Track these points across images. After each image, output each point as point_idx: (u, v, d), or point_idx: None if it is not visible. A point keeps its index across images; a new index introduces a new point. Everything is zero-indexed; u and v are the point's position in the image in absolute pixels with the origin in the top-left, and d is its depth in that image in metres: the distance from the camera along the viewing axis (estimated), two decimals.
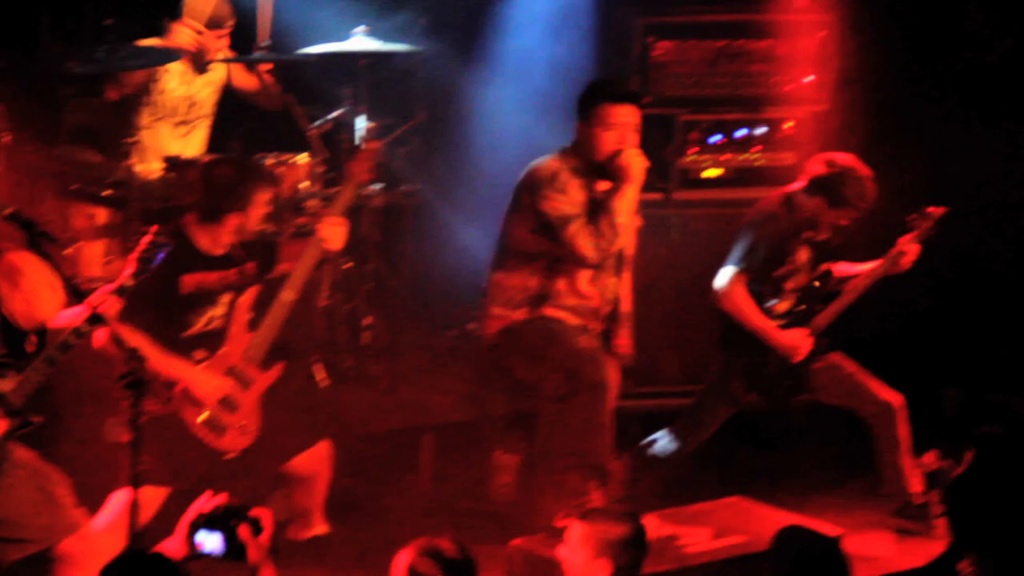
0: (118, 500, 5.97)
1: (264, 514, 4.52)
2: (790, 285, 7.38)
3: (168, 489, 6.26)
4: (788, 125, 8.39)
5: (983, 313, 8.74)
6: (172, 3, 8.15)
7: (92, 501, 5.98)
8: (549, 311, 6.90)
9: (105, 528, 5.96)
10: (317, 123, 8.28)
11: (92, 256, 7.76)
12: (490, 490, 7.61)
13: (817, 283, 7.42)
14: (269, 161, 7.94)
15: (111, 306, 5.75)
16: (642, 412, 7.70)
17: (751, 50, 8.37)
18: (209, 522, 4.51)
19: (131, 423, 4.99)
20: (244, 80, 8.57)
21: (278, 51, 8.28)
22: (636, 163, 6.82)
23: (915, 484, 7.18)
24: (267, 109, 8.43)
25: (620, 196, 6.82)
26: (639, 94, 7.07)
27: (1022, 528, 4.66)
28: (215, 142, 8.47)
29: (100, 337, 5.99)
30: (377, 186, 8.45)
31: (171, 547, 4.53)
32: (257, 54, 8.24)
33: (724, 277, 7.25)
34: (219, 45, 8.26)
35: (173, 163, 7.87)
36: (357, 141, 6.85)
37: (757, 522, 6.47)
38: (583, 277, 6.91)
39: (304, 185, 8.05)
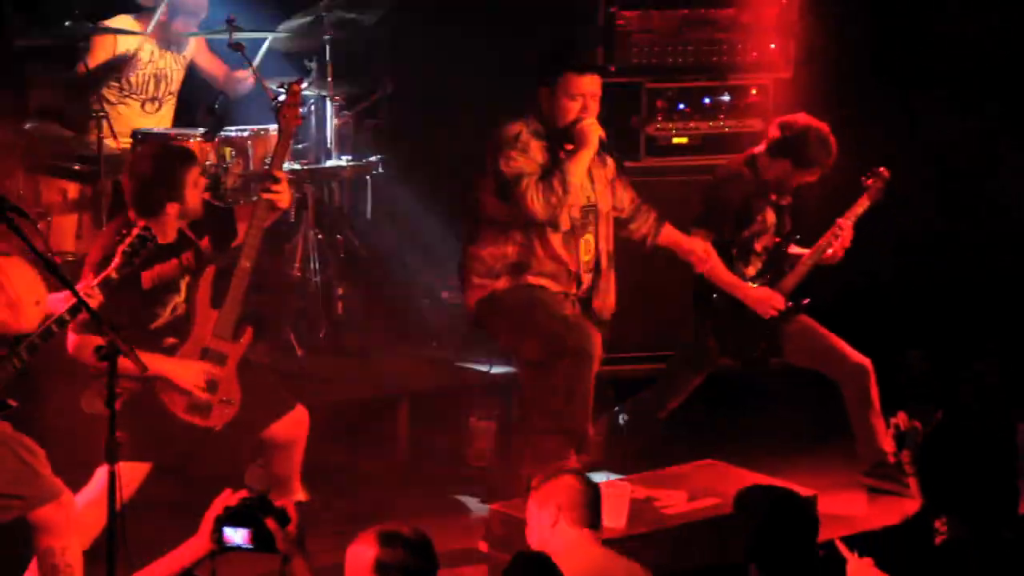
0: (101, 475, 5.99)
1: (289, 505, 4.48)
2: (758, 246, 7.47)
3: (149, 465, 6.28)
4: (753, 92, 8.46)
5: (944, 277, 8.84)
6: None
7: (72, 472, 6.01)
8: (531, 279, 6.95)
9: (87, 503, 6.00)
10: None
11: (64, 230, 7.76)
12: (467, 456, 7.69)
13: (781, 245, 7.51)
14: (240, 134, 7.96)
15: (94, 298, 5.74)
16: (616, 377, 7.76)
17: (715, 18, 8.42)
18: (235, 516, 4.45)
19: (107, 395, 5.00)
20: (207, 61, 8.62)
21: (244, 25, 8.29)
22: (592, 130, 6.91)
23: (887, 444, 7.25)
24: (227, 93, 8.43)
25: (575, 159, 6.90)
26: (602, 65, 7.14)
27: (991, 486, 4.74)
28: (184, 117, 8.50)
29: (72, 342, 6.04)
30: (347, 158, 8.49)
31: (197, 543, 4.50)
32: (221, 28, 8.24)
33: (690, 236, 7.34)
34: (190, 28, 8.33)
35: (142, 137, 7.88)
36: (280, 85, 6.79)
37: (732, 484, 6.45)
38: (556, 241, 6.96)
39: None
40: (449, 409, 7.80)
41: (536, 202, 6.81)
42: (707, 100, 8.43)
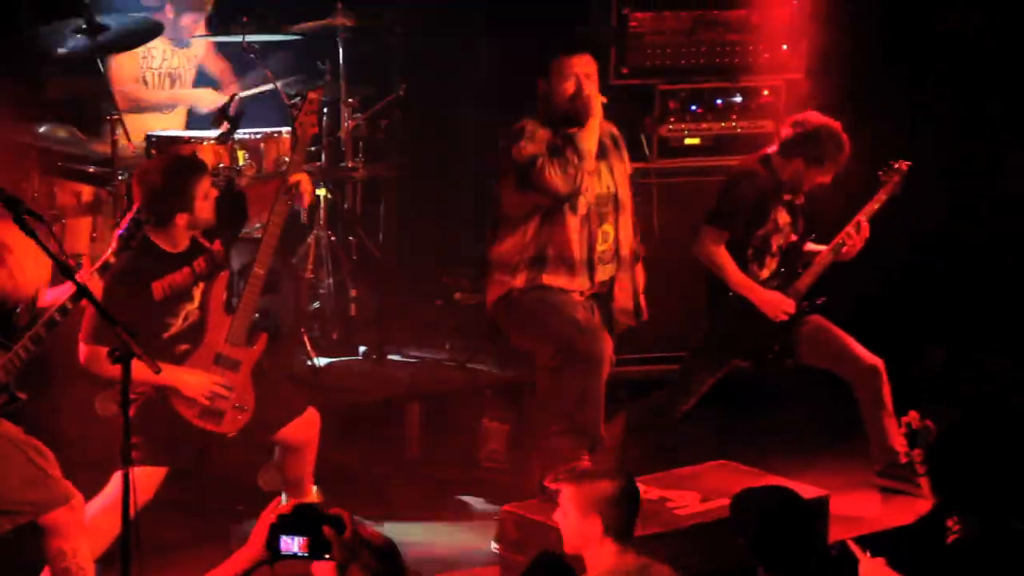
0: (116, 479, 5.99)
1: (344, 513, 4.43)
2: (773, 246, 7.47)
3: (165, 469, 6.28)
4: (765, 93, 8.47)
5: (958, 275, 8.84)
6: None
7: (85, 476, 6.03)
8: (547, 278, 6.96)
9: (103, 508, 6.01)
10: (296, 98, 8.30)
11: (78, 232, 7.77)
12: (479, 458, 7.70)
13: (797, 244, 7.51)
14: (253, 137, 7.98)
15: (94, 284, 5.76)
16: (629, 378, 7.77)
17: (727, 20, 8.43)
18: (291, 524, 4.40)
19: (121, 399, 5.00)
20: (213, 63, 8.65)
21: (258, 28, 8.31)
22: (594, 100, 6.95)
23: (900, 444, 7.24)
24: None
25: (584, 131, 6.93)
26: (593, 44, 7.18)
27: (1004, 484, 4.74)
28: (197, 118, 8.52)
29: (83, 353, 6.05)
30: (359, 159, 8.51)
31: (248, 552, 4.47)
32: (236, 32, 8.27)
33: (702, 234, 7.35)
34: (197, 28, 8.35)
35: (156, 140, 7.91)
36: (297, 94, 6.79)
37: (744, 484, 6.49)
38: (572, 226, 6.98)
39: (288, 159, 8.06)
40: (461, 411, 7.80)
41: (555, 176, 6.84)
42: (719, 101, 8.46)
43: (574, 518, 5.27)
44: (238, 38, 8.10)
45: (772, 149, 7.48)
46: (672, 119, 8.40)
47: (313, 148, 8.35)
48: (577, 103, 6.93)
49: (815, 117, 7.40)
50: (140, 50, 8.28)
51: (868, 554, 4.81)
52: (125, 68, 8.31)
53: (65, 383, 6.62)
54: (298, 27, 8.40)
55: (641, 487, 6.29)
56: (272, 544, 4.41)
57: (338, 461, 7.12)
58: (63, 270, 5.16)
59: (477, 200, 7.35)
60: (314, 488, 6.77)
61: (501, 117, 7.21)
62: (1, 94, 7.25)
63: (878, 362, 7.38)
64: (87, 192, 7.82)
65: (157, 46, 8.34)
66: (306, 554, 4.39)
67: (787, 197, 7.47)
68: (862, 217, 7.45)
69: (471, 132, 8.43)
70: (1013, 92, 8.84)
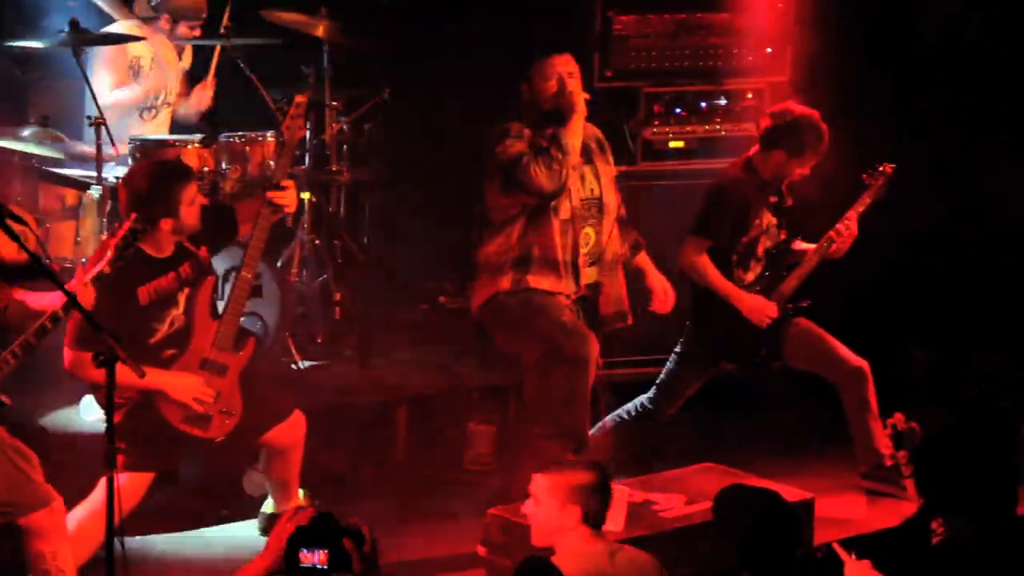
0: (102, 486, 5.98)
1: (364, 525, 4.37)
2: (759, 250, 7.47)
3: (151, 475, 6.29)
4: (749, 96, 8.48)
5: (943, 276, 8.86)
6: None
7: (70, 480, 6.03)
8: (533, 280, 6.98)
9: (90, 514, 6.01)
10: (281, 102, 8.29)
11: (62, 237, 7.75)
12: (465, 460, 7.70)
13: (782, 247, 7.52)
14: (238, 140, 7.97)
15: (88, 294, 5.75)
16: (614, 381, 7.77)
17: (711, 23, 8.45)
18: (310, 537, 4.31)
19: (106, 404, 5.00)
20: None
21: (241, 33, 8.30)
22: (577, 96, 6.99)
23: (885, 446, 7.23)
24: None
25: (567, 127, 6.96)
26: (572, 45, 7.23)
27: (989, 487, 4.74)
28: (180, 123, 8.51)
29: (68, 358, 6.04)
30: (344, 163, 8.51)
31: (262, 562, 4.44)
32: (222, 37, 8.25)
33: (685, 244, 7.36)
34: (194, 32, 8.33)
35: (139, 144, 7.88)
36: (283, 98, 6.80)
37: None
38: (556, 229, 6.99)
39: (273, 162, 8.05)
40: (448, 413, 7.80)
41: (540, 173, 6.86)
42: (703, 104, 8.49)
43: (552, 507, 5.31)
44: (223, 42, 8.10)
45: (754, 150, 7.47)
46: (656, 122, 8.43)
47: (298, 152, 8.35)
48: (561, 99, 6.98)
49: (792, 106, 7.41)
50: (132, 51, 8.24)
51: (854, 557, 4.81)
52: (109, 68, 8.26)
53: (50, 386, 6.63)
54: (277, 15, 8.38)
55: (626, 490, 6.37)
56: (291, 557, 4.30)
57: (324, 464, 7.10)
58: (48, 274, 5.14)
59: (461, 204, 7.33)
60: (300, 491, 6.79)
61: (485, 120, 7.22)
62: None
63: (863, 364, 7.39)
64: (71, 196, 7.79)
65: (146, 55, 8.28)
66: (326, 567, 4.27)
67: (773, 200, 7.47)
68: (849, 216, 7.45)
69: (455, 135, 8.41)
70: (997, 93, 8.85)
